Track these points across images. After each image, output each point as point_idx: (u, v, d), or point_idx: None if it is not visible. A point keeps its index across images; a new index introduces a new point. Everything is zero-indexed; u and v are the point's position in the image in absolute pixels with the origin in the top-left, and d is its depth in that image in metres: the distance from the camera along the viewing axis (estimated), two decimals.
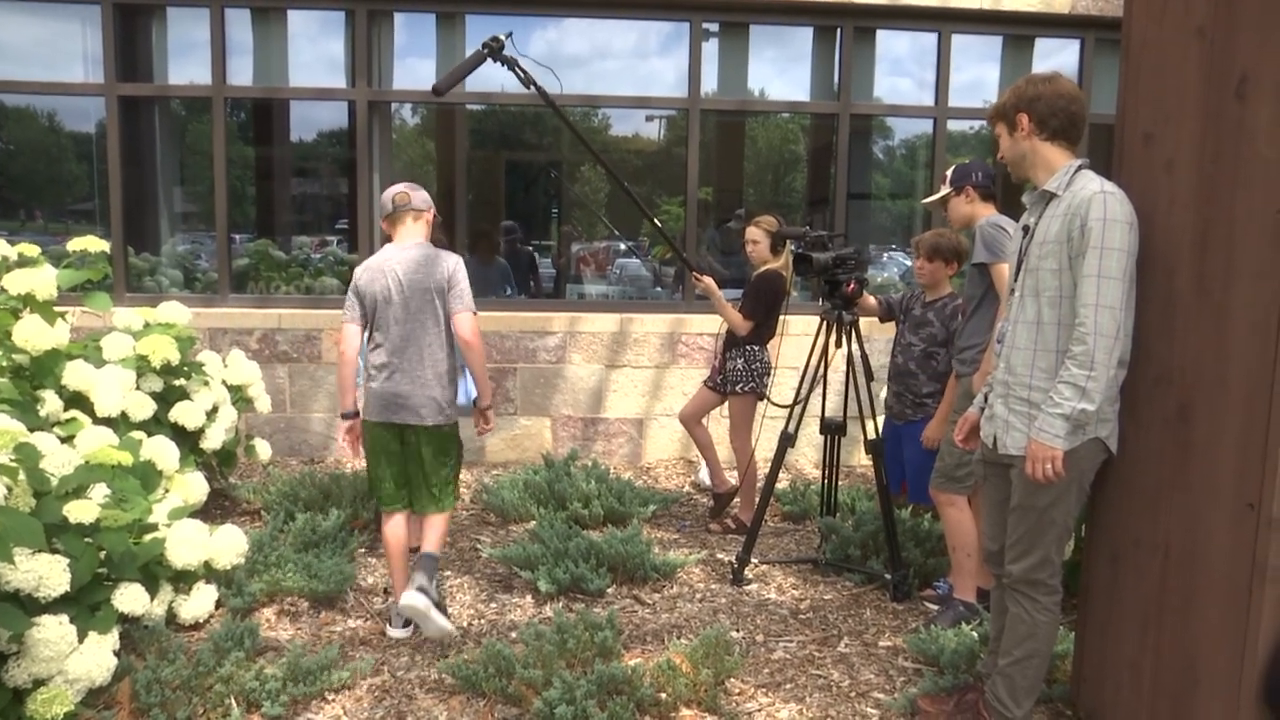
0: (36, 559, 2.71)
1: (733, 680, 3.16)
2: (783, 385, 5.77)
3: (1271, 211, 2.12)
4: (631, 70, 6.72)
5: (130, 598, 3.12)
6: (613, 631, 3.21)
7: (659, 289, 7.47)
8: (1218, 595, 2.27)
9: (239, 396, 4.90)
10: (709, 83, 6.45)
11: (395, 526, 3.54)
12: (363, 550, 4.37)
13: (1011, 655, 2.66)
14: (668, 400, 6.13)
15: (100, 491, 3.27)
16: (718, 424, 5.17)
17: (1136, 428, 2.56)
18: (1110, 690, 2.72)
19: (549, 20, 6.55)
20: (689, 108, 6.21)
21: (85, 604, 2.93)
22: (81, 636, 2.82)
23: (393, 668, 3.28)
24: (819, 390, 4.13)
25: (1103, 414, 2.50)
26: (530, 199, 8.14)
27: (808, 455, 6.23)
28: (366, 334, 3.46)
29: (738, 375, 4.59)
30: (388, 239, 3.51)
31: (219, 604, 3.64)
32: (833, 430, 4.24)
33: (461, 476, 3.89)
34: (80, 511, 2.94)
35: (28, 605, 2.69)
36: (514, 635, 3.50)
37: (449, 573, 4.14)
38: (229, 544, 3.62)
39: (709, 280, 4.42)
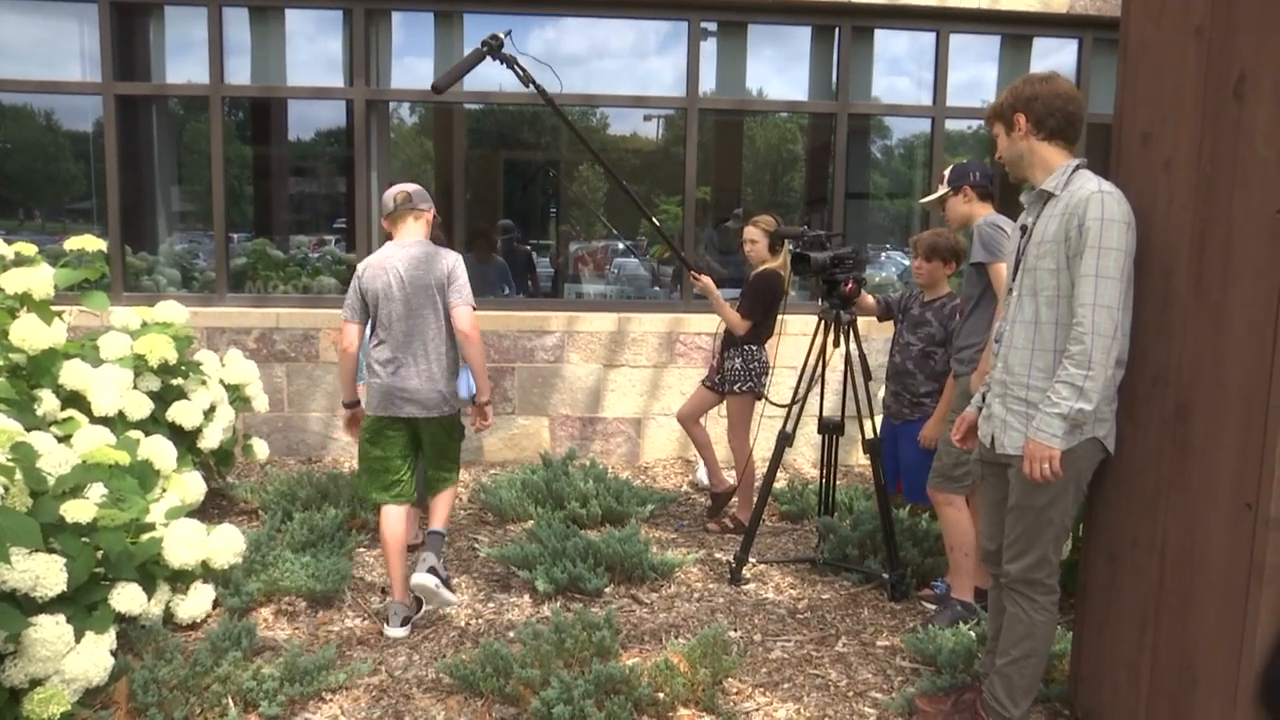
0: (33, 558, 2.71)
1: (730, 680, 3.16)
2: (781, 385, 5.78)
3: (1269, 211, 2.12)
4: (630, 69, 6.73)
5: (127, 597, 3.11)
6: (610, 631, 3.20)
7: (657, 288, 7.47)
8: (1215, 595, 2.27)
9: (236, 396, 4.89)
10: (707, 82, 6.46)
11: (394, 523, 3.55)
12: (361, 550, 4.37)
13: (1009, 655, 2.66)
14: (666, 400, 6.13)
15: (97, 491, 3.26)
16: (716, 423, 5.17)
17: (1134, 427, 2.56)
18: (1108, 690, 2.72)
19: (547, 19, 6.55)
20: (687, 107, 6.21)
21: (82, 604, 2.93)
22: (78, 636, 2.82)
23: (390, 667, 3.28)
24: (817, 390, 4.13)
25: (1100, 414, 2.50)
26: (528, 198, 8.14)
27: (806, 455, 6.23)
28: (368, 331, 3.54)
29: (736, 375, 4.59)
30: (388, 237, 3.58)
31: (216, 604, 3.63)
32: (831, 430, 4.24)
33: (460, 476, 3.93)
34: (77, 511, 2.94)
35: (24, 605, 2.68)
36: (511, 635, 3.50)
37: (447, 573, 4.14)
38: (226, 543, 3.61)
39: (707, 280, 4.42)
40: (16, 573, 2.65)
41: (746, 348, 4.59)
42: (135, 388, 4.18)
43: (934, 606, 3.79)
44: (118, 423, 3.95)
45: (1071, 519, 2.66)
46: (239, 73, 6.23)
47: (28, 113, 6.53)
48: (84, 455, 3.34)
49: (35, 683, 2.69)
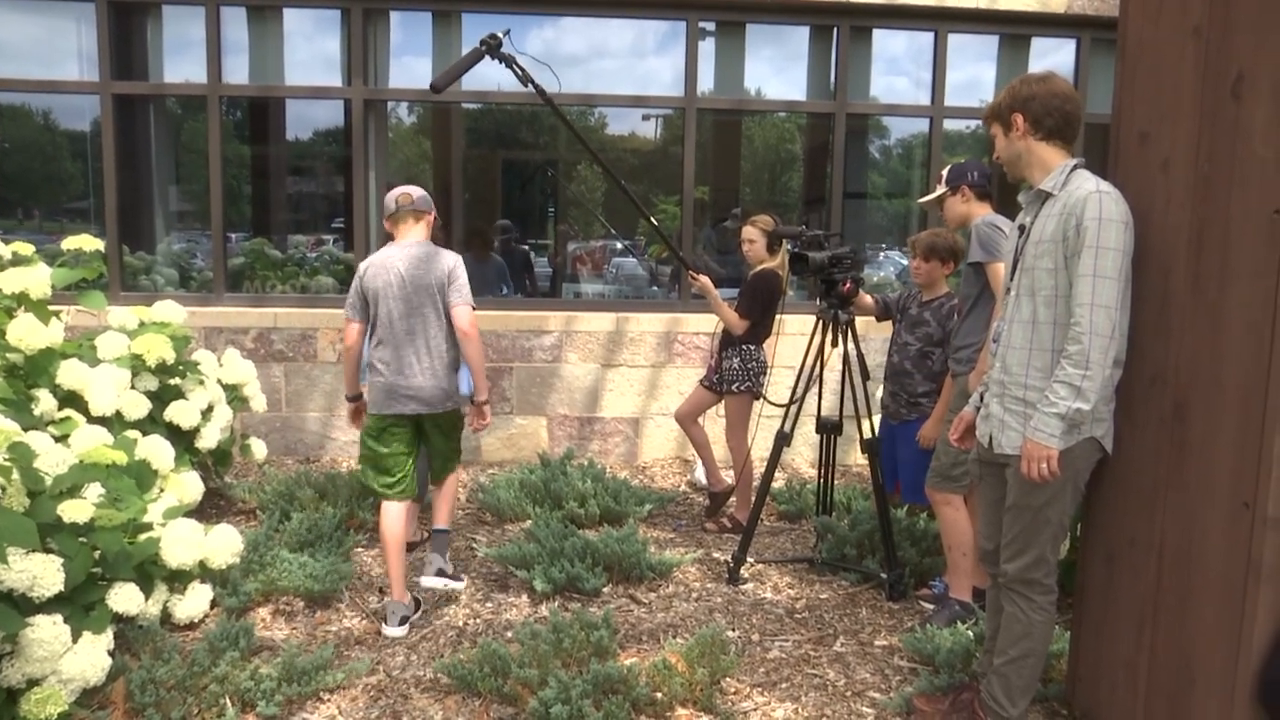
0: (30, 558, 2.70)
1: (728, 679, 3.16)
2: (779, 384, 5.78)
3: (1267, 211, 2.12)
4: (628, 69, 6.73)
5: (125, 597, 3.11)
6: (608, 631, 3.20)
7: (655, 288, 7.47)
8: (1213, 594, 2.27)
9: (234, 396, 4.89)
10: (705, 82, 6.46)
11: (394, 521, 3.58)
12: (358, 549, 4.37)
13: (1007, 654, 2.66)
14: (664, 399, 6.13)
15: (95, 491, 3.26)
16: (714, 423, 5.16)
17: (1132, 427, 2.56)
18: (1106, 689, 2.72)
19: (546, 19, 6.55)
20: (685, 107, 6.21)
21: (79, 604, 2.93)
22: (76, 636, 2.82)
23: (388, 667, 3.28)
24: (815, 389, 4.13)
25: (1098, 413, 2.50)
26: (527, 197, 8.13)
27: (804, 454, 6.23)
28: (370, 329, 3.61)
29: (734, 374, 4.59)
30: (390, 238, 3.65)
31: (214, 604, 3.63)
32: (829, 429, 4.24)
33: (458, 475, 3.97)
34: (74, 511, 2.93)
35: (22, 605, 2.68)
36: (510, 635, 3.50)
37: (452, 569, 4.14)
38: (224, 543, 3.61)
39: (705, 279, 4.42)
40: (14, 573, 2.65)
41: (745, 347, 4.59)
42: (133, 387, 4.18)
43: (932, 606, 3.79)
44: (115, 422, 3.95)
45: (1069, 519, 2.66)
46: (237, 72, 6.23)
47: (25, 112, 6.52)
48: (81, 455, 3.33)
49: (32, 683, 2.68)
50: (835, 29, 6.32)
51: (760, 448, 5.18)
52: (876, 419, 4.27)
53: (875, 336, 5.75)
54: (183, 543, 3.41)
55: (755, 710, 3.01)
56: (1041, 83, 2.57)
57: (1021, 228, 2.65)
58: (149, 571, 3.35)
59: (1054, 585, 2.64)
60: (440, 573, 3.81)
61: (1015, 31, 6.50)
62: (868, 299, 4.21)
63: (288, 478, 4.90)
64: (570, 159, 8.01)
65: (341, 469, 5.64)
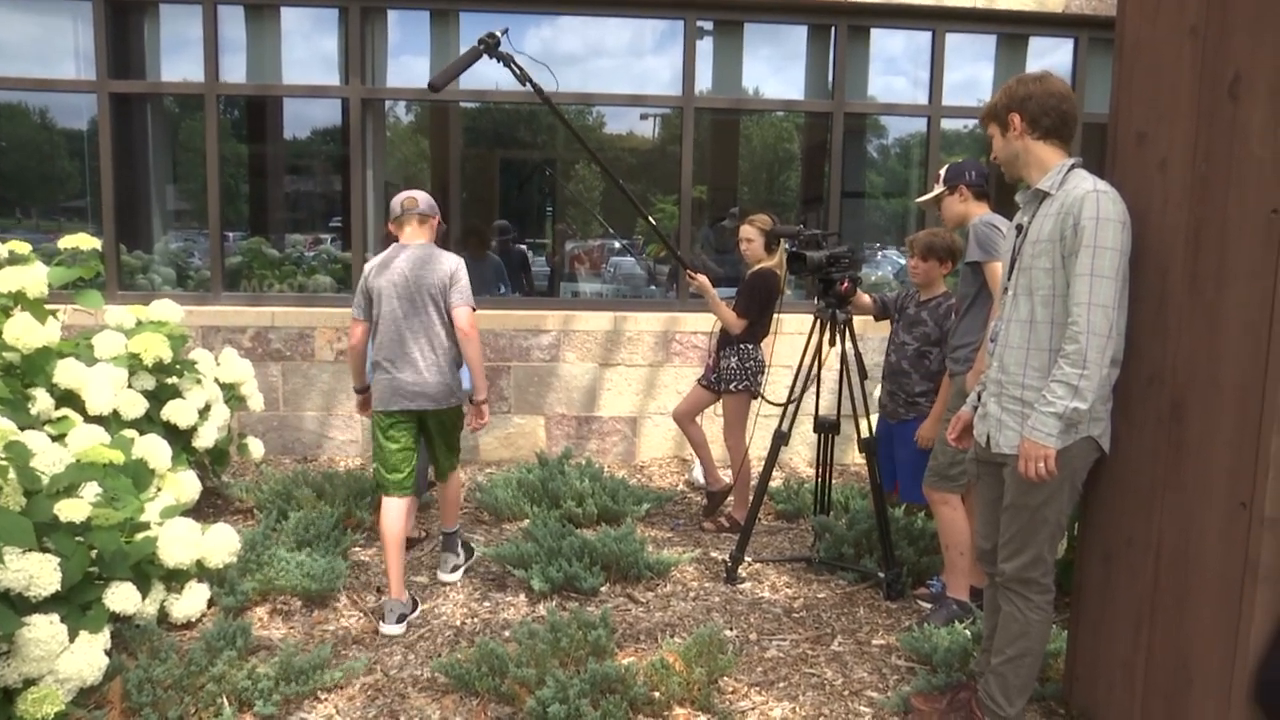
0: (27, 558, 2.70)
1: (726, 679, 3.16)
2: (777, 384, 5.78)
3: (1264, 211, 2.12)
4: (626, 68, 6.73)
5: (122, 597, 3.10)
6: (606, 630, 3.20)
7: (653, 287, 7.46)
8: (1210, 594, 2.28)
9: (231, 395, 4.89)
10: (703, 81, 6.46)
11: (394, 518, 3.62)
12: (356, 549, 4.37)
13: (1004, 654, 2.66)
14: (662, 399, 6.12)
15: (92, 490, 3.26)
16: (712, 422, 5.16)
17: (1129, 427, 2.56)
18: (1103, 689, 2.72)
19: (544, 18, 6.54)
20: (683, 106, 6.21)
21: (76, 603, 2.92)
22: (72, 636, 2.81)
23: (385, 667, 3.27)
24: (813, 389, 4.13)
25: (1095, 413, 2.50)
26: (525, 197, 8.12)
27: (801, 454, 6.23)
28: (374, 328, 3.70)
29: (732, 373, 4.59)
30: (394, 240, 3.75)
31: (211, 603, 3.63)
32: (826, 429, 4.24)
33: (459, 477, 4.03)
34: (71, 510, 2.93)
35: (18, 604, 2.68)
36: (507, 634, 3.50)
37: (442, 573, 4.14)
38: (221, 543, 3.61)
39: (703, 278, 4.42)
40: (10, 572, 2.64)
41: (742, 346, 4.59)
42: (130, 387, 4.17)
43: (929, 605, 3.79)
44: (112, 422, 3.95)
45: (1066, 518, 2.66)
46: (234, 71, 6.22)
47: (22, 111, 6.51)
48: (78, 454, 3.33)
49: (29, 682, 2.68)
50: (833, 28, 6.32)
51: (758, 447, 5.18)
52: (874, 418, 4.28)
53: (873, 336, 5.76)
54: (180, 542, 3.40)
55: (753, 709, 3.01)
56: (1038, 82, 2.58)
57: (1019, 227, 2.65)
58: (146, 571, 3.35)
59: (1051, 585, 2.65)
60: (455, 568, 4.05)
61: (1013, 31, 6.51)
62: (865, 298, 4.21)
63: (285, 477, 4.90)
64: (568, 158, 8.01)
65: (339, 468, 5.63)
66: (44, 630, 2.67)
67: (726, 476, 4.99)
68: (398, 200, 3.72)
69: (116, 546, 3.11)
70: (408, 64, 6.52)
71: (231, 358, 4.97)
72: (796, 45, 6.62)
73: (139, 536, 3.35)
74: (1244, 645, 2.17)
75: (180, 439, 4.30)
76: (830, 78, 6.40)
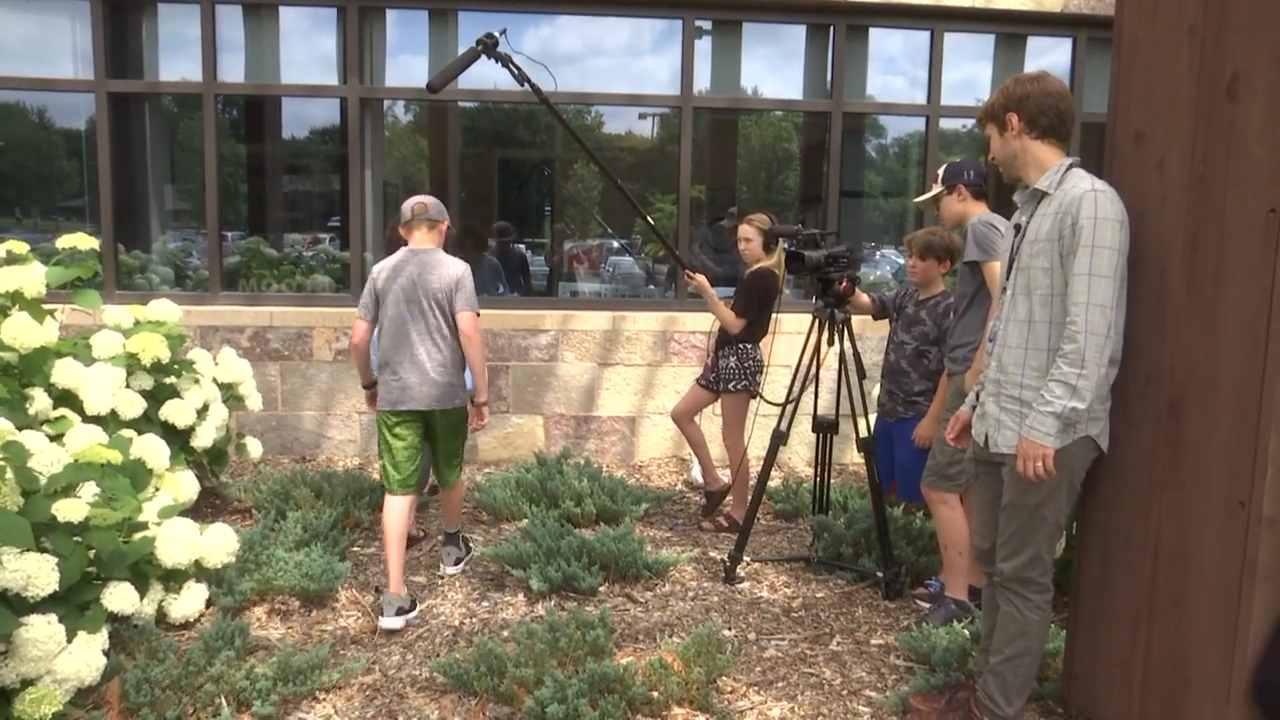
0: (25, 558, 2.70)
1: (725, 679, 3.16)
2: (775, 383, 5.78)
3: (1262, 211, 2.12)
4: (625, 68, 6.72)
5: (120, 597, 3.10)
6: (605, 630, 3.20)
7: (651, 287, 7.46)
8: (1208, 593, 2.28)
9: (230, 394, 4.88)
10: (702, 80, 6.45)
11: (397, 515, 3.69)
12: (354, 549, 4.36)
13: (1003, 653, 2.66)
14: (660, 398, 6.12)
15: (89, 490, 3.25)
16: (710, 422, 5.17)
17: (1128, 426, 2.57)
18: (1101, 688, 2.72)
19: (542, 17, 6.54)
20: (682, 105, 6.21)
21: (74, 603, 2.92)
22: (70, 636, 2.81)
23: (384, 666, 3.27)
24: (811, 388, 4.13)
25: (1094, 412, 2.51)
26: (523, 196, 8.12)
27: (800, 453, 6.24)
28: (379, 329, 3.80)
29: (730, 373, 4.59)
30: (399, 240, 3.87)
31: (209, 603, 3.62)
32: (825, 428, 4.24)
33: (463, 481, 4.14)
34: (69, 510, 2.92)
35: (16, 605, 2.67)
36: (506, 634, 3.50)
37: (440, 573, 4.14)
38: (219, 543, 3.60)
39: (701, 278, 4.42)
40: (8, 572, 2.64)
41: (741, 346, 4.59)
42: (128, 386, 4.17)
43: (928, 605, 3.79)
44: (110, 421, 3.94)
45: (1065, 517, 2.66)
46: (233, 70, 6.21)
47: (20, 110, 6.50)
48: (76, 454, 3.32)
49: (27, 683, 2.68)
50: (831, 28, 6.32)
51: (757, 446, 5.18)
52: (873, 417, 4.28)
53: (872, 335, 5.76)
54: (178, 542, 3.40)
55: (751, 709, 3.01)
56: (1035, 82, 2.58)
57: (1017, 227, 2.65)
58: (144, 571, 3.35)
59: (1050, 584, 2.65)
60: (458, 560, 4.16)
61: (1011, 30, 6.51)
62: (864, 298, 4.21)
63: (283, 477, 4.90)
64: (567, 158, 8.00)
65: (337, 468, 5.63)
66: (42, 630, 2.67)
67: (725, 476, 4.99)
68: (408, 205, 3.82)
69: (114, 546, 3.11)
70: (406, 63, 6.53)
71: (230, 357, 4.96)
72: (795, 45, 6.62)
73: (137, 536, 3.34)
74: (1242, 644, 2.17)
75: (178, 439, 4.30)
76: (829, 77, 6.40)
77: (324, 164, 7.03)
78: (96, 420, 3.85)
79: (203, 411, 4.50)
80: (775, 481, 5.47)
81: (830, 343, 3.99)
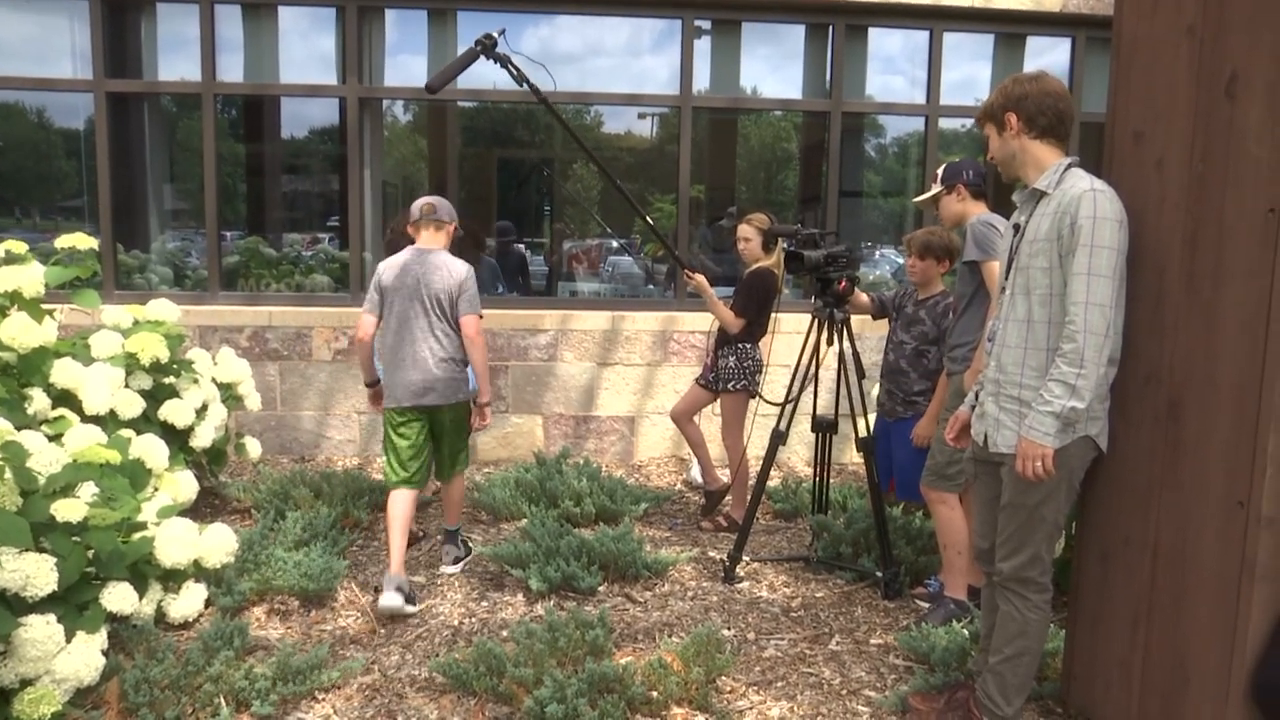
0: (23, 558, 2.70)
1: (724, 678, 3.16)
2: (774, 383, 5.78)
3: (1261, 210, 2.12)
4: (624, 67, 6.72)
5: (118, 597, 3.10)
6: (604, 630, 3.20)
7: (651, 287, 7.46)
8: (1207, 593, 2.28)
9: (229, 394, 4.88)
10: (701, 80, 6.45)
11: (401, 505, 3.81)
12: (354, 548, 4.36)
13: (1002, 653, 2.66)
14: (659, 398, 6.12)
15: (88, 490, 3.25)
16: (709, 422, 5.17)
17: (1127, 426, 2.57)
18: (1101, 688, 2.72)
19: (541, 17, 6.54)
20: (681, 105, 6.21)
21: (73, 603, 2.92)
22: (69, 636, 2.81)
23: (383, 666, 3.27)
24: (811, 388, 4.13)
25: (1093, 412, 2.51)
26: (522, 196, 8.11)
27: (799, 453, 6.24)
28: (382, 326, 3.87)
29: (729, 373, 4.59)
30: (401, 239, 3.95)
31: (208, 603, 3.62)
32: (824, 428, 4.24)
33: (463, 479, 4.17)
34: (68, 510, 2.92)
35: (14, 605, 2.67)
36: (505, 634, 3.49)
37: (439, 573, 4.14)
38: (218, 542, 3.60)
39: (701, 278, 4.42)
40: (6, 572, 2.64)
41: (740, 346, 4.59)
42: (127, 386, 4.17)
43: (927, 605, 3.79)
44: (109, 421, 3.94)
45: (1064, 517, 2.66)
46: (232, 70, 6.21)
47: (19, 110, 6.49)
48: (75, 454, 3.32)
49: (26, 683, 2.67)
50: (830, 27, 6.32)
51: (756, 446, 5.18)
52: (872, 417, 4.28)
53: (871, 335, 5.76)
54: (177, 542, 3.40)
55: (750, 709, 3.01)
56: (1034, 81, 2.58)
57: (1016, 226, 2.65)
58: (143, 571, 3.34)
59: (1049, 584, 2.65)
60: (457, 559, 4.17)
61: (1010, 30, 6.51)
62: (863, 297, 4.21)
63: (283, 477, 4.90)
64: (566, 158, 8.00)
65: (337, 468, 5.63)
66: (41, 630, 2.67)
67: (724, 476, 4.99)
68: (417, 205, 3.89)
69: (113, 546, 3.10)
70: (405, 63, 6.53)
71: (229, 357, 4.96)
72: (794, 44, 6.62)
73: (136, 536, 3.34)
74: (1241, 644, 2.17)
75: (177, 439, 4.29)
76: (828, 77, 6.40)
77: (323, 164, 7.03)
78: (95, 420, 3.85)
79: (202, 411, 4.50)
80: (774, 481, 5.47)
81: (829, 342, 3.99)
